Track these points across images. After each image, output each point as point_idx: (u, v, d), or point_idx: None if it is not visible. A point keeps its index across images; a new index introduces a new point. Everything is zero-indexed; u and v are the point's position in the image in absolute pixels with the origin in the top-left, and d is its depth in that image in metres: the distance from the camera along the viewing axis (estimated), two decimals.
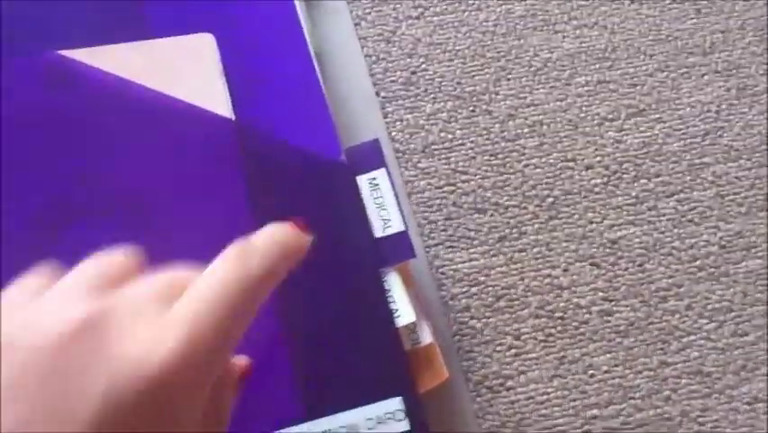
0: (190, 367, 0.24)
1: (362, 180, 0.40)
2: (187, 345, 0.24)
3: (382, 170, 0.40)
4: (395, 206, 0.40)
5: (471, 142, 0.46)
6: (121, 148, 0.39)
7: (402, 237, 0.39)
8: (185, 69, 0.41)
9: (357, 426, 0.36)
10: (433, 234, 0.44)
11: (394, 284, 0.39)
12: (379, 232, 0.39)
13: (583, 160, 0.46)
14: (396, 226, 0.40)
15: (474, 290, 0.43)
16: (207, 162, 0.39)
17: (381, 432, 0.36)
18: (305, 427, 0.36)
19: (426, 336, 0.39)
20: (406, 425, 0.36)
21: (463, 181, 0.45)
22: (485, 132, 0.46)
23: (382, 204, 0.40)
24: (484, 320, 0.43)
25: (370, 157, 0.40)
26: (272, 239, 0.29)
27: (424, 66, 0.47)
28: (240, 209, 0.39)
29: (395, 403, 0.37)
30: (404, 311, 0.38)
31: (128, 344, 0.23)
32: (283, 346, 0.37)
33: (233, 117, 0.40)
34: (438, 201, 0.45)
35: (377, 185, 0.40)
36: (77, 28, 0.41)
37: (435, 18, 0.48)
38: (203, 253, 0.38)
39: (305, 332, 0.37)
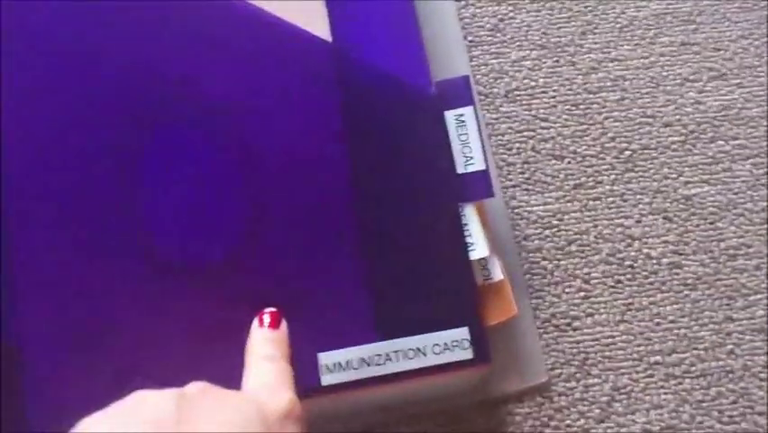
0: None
1: (449, 116, 0.41)
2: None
3: (470, 108, 0.41)
4: (479, 144, 0.41)
5: (554, 91, 0.47)
6: (222, 58, 0.40)
7: (483, 176, 0.40)
8: None
9: (425, 349, 0.37)
10: (510, 176, 0.45)
11: (471, 219, 0.40)
12: (461, 168, 0.40)
13: (662, 117, 0.47)
14: (478, 165, 0.40)
15: (547, 232, 0.44)
16: (304, 80, 0.41)
17: (447, 358, 0.37)
18: (377, 346, 0.37)
19: (498, 273, 0.40)
20: (470, 353, 0.37)
21: (543, 128, 0.46)
22: (567, 82, 0.47)
23: (466, 141, 0.41)
24: (555, 262, 0.44)
25: (460, 93, 0.41)
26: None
27: (511, 14, 0.48)
28: (332, 128, 0.40)
29: (462, 333, 0.38)
30: (478, 245, 0.39)
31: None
32: (362, 270, 0.38)
33: (331, 39, 0.41)
34: (517, 145, 0.46)
35: (463, 122, 0.41)
36: None
37: None
38: (295, 164, 0.39)
39: (382, 257, 0.39)
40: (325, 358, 0.37)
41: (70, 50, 0.40)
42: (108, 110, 0.39)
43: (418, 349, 0.38)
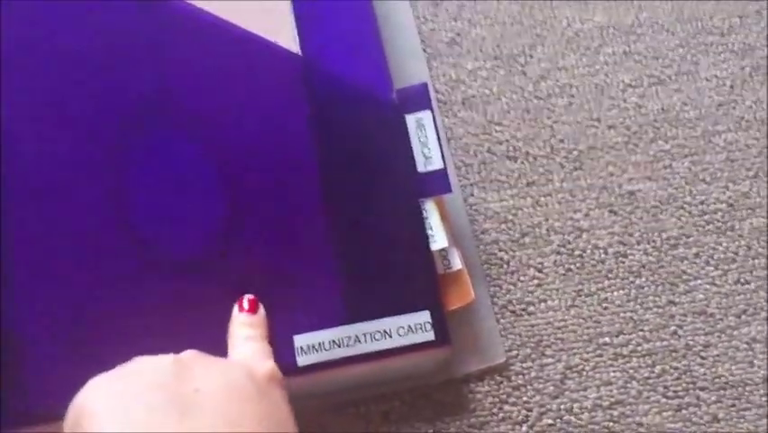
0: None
1: (410, 119, 0.45)
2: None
3: (428, 112, 0.45)
4: (437, 145, 0.44)
5: (507, 97, 0.51)
6: (201, 71, 0.44)
7: (441, 174, 0.44)
8: (258, 5, 0.46)
9: (390, 332, 0.41)
10: (468, 176, 0.49)
11: (431, 213, 0.43)
12: (421, 167, 0.44)
13: (607, 120, 0.51)
14: (436, 164, 0.44)
15: (503, 226, 0.48)
16: (276, 88, 0.44)
17: (411, 339, 0.41)
18: (347, 329, 0.41)
19: (457, 263, 0.44)
20: (432, 335, 0.41)
21: (498, 132, 0.50)
22: (519, 90, 0.51)
23: (426, 142, 0.44)
24: (511, 253, 0.47)
25: (419, 99, 0.45)
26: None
27: (467, 28, 0.52)
28: (301, 133, 0.44)
29: (424, 316, 0.41)
30: (438, 237, 0.43)
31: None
32: (333, 260, 0.42)
33: (300, 52, 0.45)
34: (474, 147, 0.49)
35: (422, 125, 0.45)
36: None
37: None
38: (268, 166, 0.43)
39: (351, 249, 0.42)
40: (300, 340, 0.40)
41: (67, 62, 0.43)
42: (98, 118, 0.43)
43: (385, 331, 0.41)
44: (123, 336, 0.39)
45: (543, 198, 0.49)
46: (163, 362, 0.32)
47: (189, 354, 0.33)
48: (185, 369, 0.31)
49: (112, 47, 0.44)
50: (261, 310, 0.39)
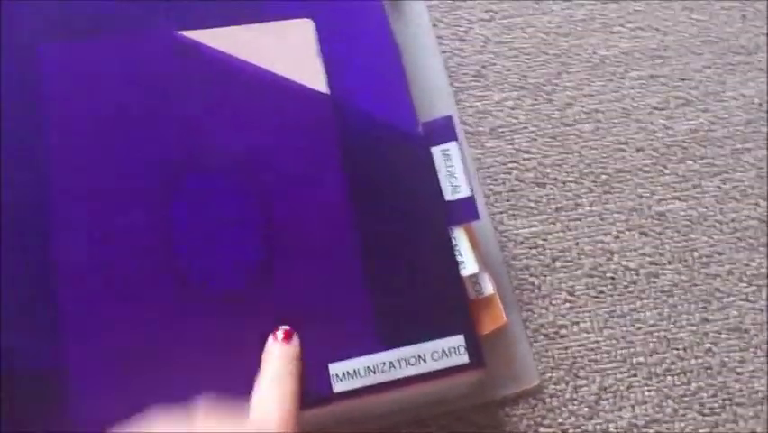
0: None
1: (436, 151, 0.46)
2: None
3: (454, 143, 0.46)
4: (463, 174, 0.46)
5: (534, 126, 0.52)
6: (238, 114, 0.46)
7: (469, 201, 0.45)
8: (287, 50, 0.48)
9: (425, 356, 0.42)
10: (498, 204, 0.50)
11: (460, 240, 0.45)
12: (449, 195, 0.46)
13: (635, 143, 0.52)
14: (464, 192, 0.46)
15: (533, 252, 0.49)
16: (307, 129, 0.46)
17: (445, 363, 0.42)
18: (381, 355, 0.42)
19: (488, 288, 0.45)
20: (466, 358, 0.42)
21: (525, 159, 0.51)
22: (546, 117, 0.52)
23: (453, 172, 0.46)
24: (542, 277, 0.48)
25: (444, 131, 0.47)
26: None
27: (492, 60, 0.54)
28: (334, 170, 0.45)
29: (458, 340, 0.42)
30: (468, 263, 0.44)
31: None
32: (365, 288, 0.43)
33: (329, 92, 0.47)
34: (503, 176, 0.51)
35: (449, 155, 0.46)
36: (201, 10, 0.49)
37: (504, 20, 0.55)
38: (302, 203, 0.45)
39: (384, 277, 0.44)
40: (335, 368, 0.42)
41: (109, 108, 0.46)
42: (143, 161, 0.45)
43: (419, 356, 0.42)
44: (164, 372, 0.41)
45: (572, 223, 0.50)
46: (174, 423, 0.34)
47: (202, 414, 0.35)
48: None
49: (149, 91, 0.47)
50: (296, 341, 0.41)
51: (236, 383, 0.39)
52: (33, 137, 0.44)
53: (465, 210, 0.45)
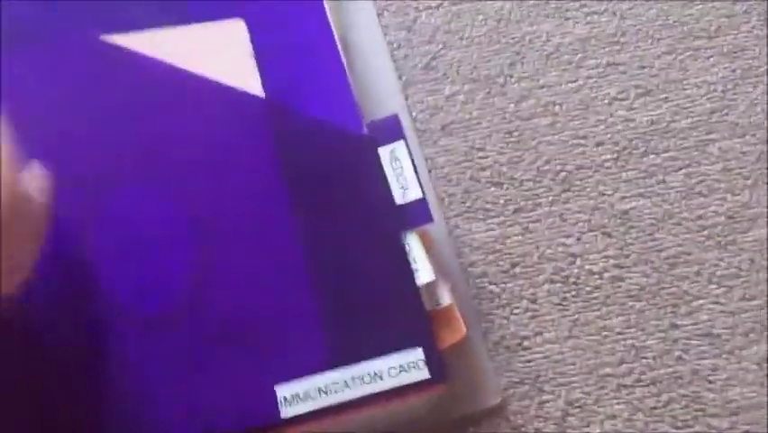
0: None
1: (384, 152, 0.43)
2: None
3: (401, 142, 0.43)
4: (413, 175, 0.42)
5: (488, 121, 0.49)
6: (163, 123, 0.43)
7: (421, 204, 0.42)
8: (217, 52, 0.44)
9: (381, 373, 0.39)
10: (452, 206, 0.47)
11: (414, 246, 0.41)
12: (399, 199, 0.42)
13: (594, 137, 0.48)
14: (414, 194, 0.42)
15: (491, 257, 0.46)
16: (243, 135, 0.43)
17: (404, 379, 0.39)
18: (333, 374, 0.39)
19: (446, 298, 0.41)
20: (426, 373, 0.39)
21: (480, 157, 0.48)
22: (500, 111, 0.49)
23: (401, 173, 0.43)
24: (501, 285, 0.45)
25: (390, 130, 0.43)
26: None
27: (442, 52, 0.50)
28: (271, 177, 0.42)
29: (416, 353, 0.39)
30: (423, 271, 0.41)
31: None
32: (313, 302, 0.40)
33: (263, 95, 0.43)
34: (457, 176, 0.47)
35: (396, 156, 0.43)
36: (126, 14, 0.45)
37: (453, 7, 0.51)
38: (239, 212, 0.41)
39: (333, 288, 0.40)
40: (283, 390, 0.38)
41: (29, 119, 0.42)
42: (63, 175, 0.41)
43: (375, 373, 0.39)
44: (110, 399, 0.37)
45: (531, 225, 0.46)
46: None
47: None
48: None
49: (69, 101, 0.43)
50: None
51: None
52: None
53: (417, 213, 0.42)
